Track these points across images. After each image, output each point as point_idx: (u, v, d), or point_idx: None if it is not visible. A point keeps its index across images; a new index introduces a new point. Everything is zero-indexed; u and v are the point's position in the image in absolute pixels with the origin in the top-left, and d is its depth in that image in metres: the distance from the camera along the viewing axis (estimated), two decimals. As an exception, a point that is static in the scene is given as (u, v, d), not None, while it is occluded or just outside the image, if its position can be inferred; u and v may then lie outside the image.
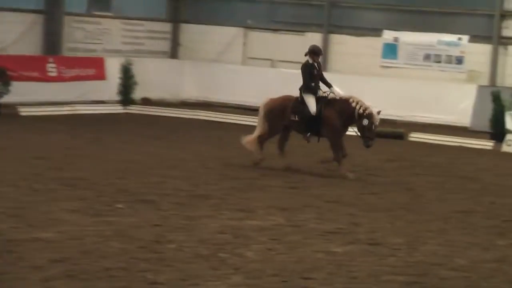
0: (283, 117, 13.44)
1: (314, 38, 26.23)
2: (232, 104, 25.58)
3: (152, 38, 28.64)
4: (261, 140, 13.67)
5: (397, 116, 24.82)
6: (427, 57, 26.24)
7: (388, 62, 26.89)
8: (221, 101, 26.07)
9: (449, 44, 25.65)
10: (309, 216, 11.05)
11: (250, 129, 15.29)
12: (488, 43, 25.33)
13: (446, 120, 24.49)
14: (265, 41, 28.67)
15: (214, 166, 14.18)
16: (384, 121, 24.41)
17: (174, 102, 26.46)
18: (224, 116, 22.89)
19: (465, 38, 25.37)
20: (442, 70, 26.07)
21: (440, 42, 25.99)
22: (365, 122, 12.84)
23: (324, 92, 13.33)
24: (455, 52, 25.67)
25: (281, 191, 12.61)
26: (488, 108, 22.60)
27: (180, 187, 11.86)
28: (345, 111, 13.11)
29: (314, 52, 13.56)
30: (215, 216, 9.85)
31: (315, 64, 13.50)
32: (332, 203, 12.33)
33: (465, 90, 25.08)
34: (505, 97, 22.61)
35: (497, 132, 21.95)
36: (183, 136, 19.13)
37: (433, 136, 22.28)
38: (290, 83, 25.23)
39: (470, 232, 11.18)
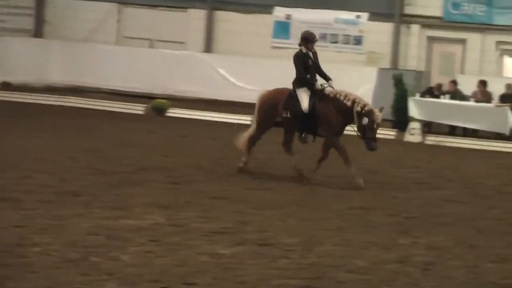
0: (275, 113, 13.05)
1: (197, 15, 26.98)
2: (105, 89, 25.36)
3: (13, 14, 27.75)
4: (251, 140, 13.36)
5: None
6: (322, 37, 25.92)
7: (279, 42, 27.44)
8: (93, 85, 25.73)
9: (347, 22, 26.65)
10: (192, 214, 10.89)
11: (126, 117, 15.08)
12: (389, 21, 26.30)
13: None
14: (142, 18, 28.28)
15: (84, 158, 14.03)
16: None
17: (39, 86, 25.90)
18: (96, 103, 22.79)
19: (364, 16, 26.45)
20: (339, 51, 26.74)
21: (337, 20, 26.86)
22: (365, 121, 12.37)
23: (321, 85, 12.83)
24: (353, 31, 26.74)
25: (161, 186, 12.49)
26: (390, 93, 23.32)
27: (46, 183, 11.51)
28: (343, 107, 12.61)
29: (306, 39, 12.99)
30: (86, 215, 9.64)
31: (310, 54, 12.94)
32: (218, 200, 12.18)
33: (365, 73, 25.80)
34: (408, 81, 23.62)
35: (400, 120, 22.84)
36: (49, 125, 18.80)
37: None
38: (171, 66, 25.40)
39: (369, 230, 11.08)
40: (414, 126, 22.75)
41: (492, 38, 28.00)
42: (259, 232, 10.27)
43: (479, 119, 23.41)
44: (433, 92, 24.41)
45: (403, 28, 27.46)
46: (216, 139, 18.22)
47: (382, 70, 26.38)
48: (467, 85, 24.58)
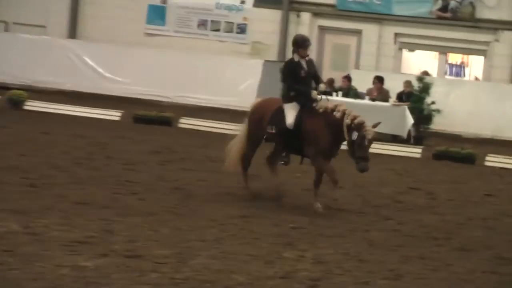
0: (261, 126, 12.35)
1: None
2: None
3: None
4: (244, 158, 12.71)
5: (164, 96, 25.46)
6: (202, 23, 27.76)
7: (153, 28, 28.10)
8: None
9: (229, 8, 27.30)
10: (51, 222, 10.59)
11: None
12: (277, 8, 27.02)
13: (225, 102, 25.30)
14: (-3, -2, 28.25)
15: None
16: (148, 103, 24.97)
17: None
18: None
19: (249, 1, 27.27)
20: (221, 41, 27.58)
21: (218, 6, 27.56)
22: (354, 136, 11.53)
23: (319, 94, 11.96)
24: (236, 18, 27.48)
25: (16, 189, 12.02)
26: (277, 88, 21.03)
27: None
28: (333, 122, 11.75)
29: (297, 43, 12.06)
30: None
31: (302, 62, 11.95)
32: (81, 205, 11.89)
33: (249, 65, 26.43)
34: None
35: None
36: None
37: (207, 122, 22.62)
38: (29, 53, 24.94)
39: (251, 241, 10.99)
40: None
41: (390, 30, 28.71)
42: (127, 242, 10.03)
43: (374, 120, 22.68)
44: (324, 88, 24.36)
45: (292, 16, 27.73)
46: (80, 136, 17.74)
47: (268, 63, 26.49)
48: (362, 82, 24.74)
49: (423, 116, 23.95)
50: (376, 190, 16.41)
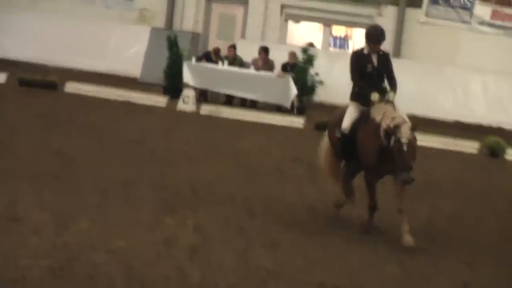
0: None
1: None
2: None
3: None
4: (331, 164, 11.08)
5: (49, 61, 24.94)
6: None
7: None
8: None
9: None
10: None
11: None
12: None
13: (111, 68, 25.41)
14: None
15: None
16: (34, 67, 24.54)
17: None
18: None
19: None
20: (107, 7, 26.93)
21: None
22: (392, 141, 9.76)
23: (379, 97, 10.26)
24: None
25: None
26: (163, 56, 23.51)
27: None
28: (377, 130, 9.95)
29: (368, 37, 10.54)
30: None
31: (373, 56, 10.47)
32: None
33: (136, 33, 26.42)
34: (183, 43, 24.18)
35: (172, 86, 23.16)
36: None
37: (92, 87, 22.57)
38: None
39: (132, 207, 11.05)
40: (188, 94, 22.72)
41: (276, 1, 28.36)
42: (8, 205, 9.89)
43: (259, 89, 23.81)
44: (210, 57, 24.51)
45: None
46: None
47: (155, 30, 26.63)
48: (248, 52, 24.90)
49: (306, 87, 24.00)
50: (258, 159, 16.31)
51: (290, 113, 23.21)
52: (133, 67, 25.76)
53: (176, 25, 27.73)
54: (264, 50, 24.65)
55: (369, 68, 10.07)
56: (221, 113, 22.73)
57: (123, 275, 8.44)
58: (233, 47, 25.37)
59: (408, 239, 9.25)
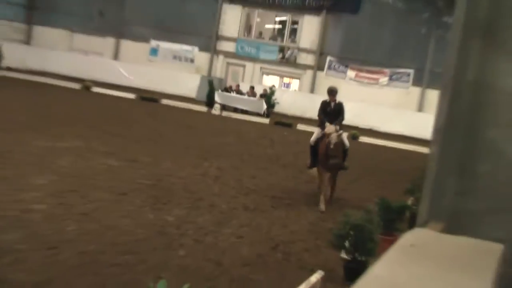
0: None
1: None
2: None
3: None
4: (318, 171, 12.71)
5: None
6: (175, 57, 34.51)
7: (153, 59, 34.54)
8: None
9: (187, 50, 33.76)
10: (97, 143, 13.18)
11: None
12: (208, 52, 33.45)
13: (183, 93, 31.13)
14: None
15: None
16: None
17: None
18: None
19: (196, 48, 33.49)
20: (181, 63, 33.42)
21: (182, 49, 34.08)
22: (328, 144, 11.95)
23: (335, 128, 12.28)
24: (190, 55, 33.64)
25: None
26: (206, 88, 29.77)
27: None
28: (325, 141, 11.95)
29: (328, 91, 12.82)
30: None
31: (331, 103, 12.72)
32: (117, 137, 15.12)
33: (194, 77, 32.05)
34: (215, 82, 29.96)
35: (210, 102, 28.80)
36: None
37: (178, 102, 28.88)
38: None
39: (189, 157, 14.08)
40: (217, 106, 28.79)
41: (258, 66, 33.63)
42: (131, 154, 12.56)
43: (249, 105, 29.69)
44: (227, 89, 30.59)
45: (215, 56, 34.53)
46: None
47: (203, 76, 32.50)
48: (245, 88, 31.25)
49: (270, 105, 30.29)
50: (247, 135, 20.17)
51: (262, 116, 28.74)
52: (192, 92, 31.86)
53: (213, 73, 33.65)
54: (252, 88, 30.55)
55: (328, 109, 12.35)
56: (231, 115, 28.23)
57: (183, 188, 11.46)
58: (238, 85, 30.51)
59: (322, 206, 11.70)
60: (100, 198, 9.08)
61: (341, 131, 12.27)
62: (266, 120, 27.70)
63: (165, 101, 28.17)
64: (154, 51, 33.74)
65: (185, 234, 9.49)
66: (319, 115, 12.77)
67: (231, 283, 8.08)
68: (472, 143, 2.23)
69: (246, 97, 29.37)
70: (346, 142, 12.71)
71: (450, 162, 2.27)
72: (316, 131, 12.81)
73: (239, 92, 29.76)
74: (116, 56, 34.28)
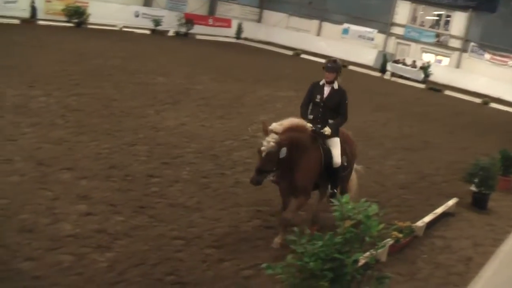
0: None
1: None
2: None
3: None
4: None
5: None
6: (359, 36, 31.44)
7: (344, 36, 31.54)
8: None
9: (369, 32, 31.64)
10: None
11: None
12: (384, 34, 31.25)
13: (366, 62, 29.49)
14: None
15: None
16: None
17: None
18: None
19: (375, 31, 31.33)
20: (365, 42, 31.41)
21: (365, 31, 31.97)
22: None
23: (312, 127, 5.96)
24: (371, 35, 31.65)
25: None
26: (380, 60, 28.73)
27: None
28: None
29: (325, 66, 6.15)
30: None
31: (325, 88, 6.13)
32: None
33: (373, 52, 30.50)
34: (387, 56, 28.45)
35: (383, 70, 27.55)
36: None
37: (358, 68, 27.14)
38: None
39: (361, 108, 13.87)
40: (388, 73, 27.46)
41: None
42: (188, 119, 10.09)
43: (411, 74, 27.12)
44: (396, 61, 28.51)
45: (389, 38, 30.97)
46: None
47: (379, 51, 29.69)
48: (409, 61, 27.71)
49: (426, 74, 27.28)
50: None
51: (419, 83, 26.00)
52: (370, 62, 29.90)
53: (386, 49, 30.50)
54: (414, 61, 27.48)
55: (317, 98, 6.06)
56: (397, 80, 25.63)
57: (361, 130, 11.22)
58: (414, 61, 27.78)
59: (276, 240, 5.85)
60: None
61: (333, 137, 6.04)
62: (422, 86, 26.10)
63: (350, 67, 26.49)
64: (345, 31, 32.19)
65: (359, 163, 9.34)
66: (301, 106, 6.27)
67: (391, 199, 8.31)
68: None
69: (409, 68, 27.83)
70: (337, 158, 6.06)
71: None
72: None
73: (404, 64, 28.24)
74: (318, 33, 33.38)
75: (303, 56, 27.89)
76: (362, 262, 3.94)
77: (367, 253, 3.90)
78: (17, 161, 6.90)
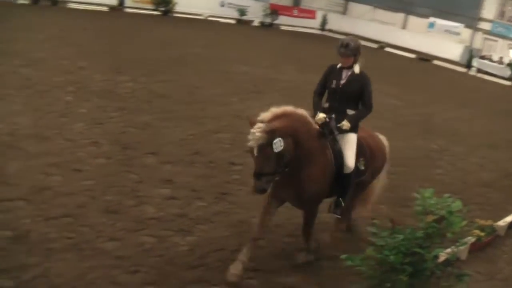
0: None
1: None
2: None
3: None
4: None
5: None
6: (446, 30, 29.81)
7: (430, 30, 30.39)
8: None
9: (455, 26, 30.01)
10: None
11: None
12: (471, 29, 29.22)
13: (452, 57, 28.07)
14: None
15: None
16: None
17: None
18: None
19: (462, 25, 29.69)
20: (451, 37, 29.85)
21: (452, 25, 30.07)
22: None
23: (325, 118, 4.79)
24: (457, 30, 30.01)
25: None
26: (466, 55, 27.22)
27: None
28: None
29: (339, 48, 4.85)
30: None
31: (342, 73, 4.92)
32: (397, 85, 14.27)
33: (459, 47, 28.96)
34: (474, 52, 27.00)
35: (469, 65, 26.09)
36: None
37: (443, 63, 25.67)
38: None
39: (446, 103, 13.68)
40: (473, 69, 25.82)
41: None
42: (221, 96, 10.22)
43: (497, 70, 25.67)
44: (483, 57, 27.21)
45: (476, 33, 29.14)
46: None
47: (465, 47, 28.18)
48: (495, 58, 26.57)
49: None
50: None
51: (506, 80, 24.55)
52: (456, 57, 28.27)
53: (473, 45, 28.62)
54: (501, 58, 26.30)
55: (333, 84, 4.88)
56: (483, 76, 24.50)
57: (443, 125, 11.13)
58: (501, 58, 26.46)
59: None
60: (382, 126, 8.24)
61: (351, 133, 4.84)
62: (508, 83, 24.54)
63: (435, 62, 25.87)
64: (431, 25, 30.63)
65: (443, 159, 9.50)
66: (314, 92, 5.05)
67: (474, 197, 7.95)
68: None
69: (495, 64, 26.41)
70: (350, 161, 4.84)
71: None
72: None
73: (491, 60, 26.86)
74: (403, 27, 32.04)
75: (388, 49, 27.29)
76: (442, 258, 3.86)
77: (448, 250, 3.83)
78: (103, 144, 7.04)
